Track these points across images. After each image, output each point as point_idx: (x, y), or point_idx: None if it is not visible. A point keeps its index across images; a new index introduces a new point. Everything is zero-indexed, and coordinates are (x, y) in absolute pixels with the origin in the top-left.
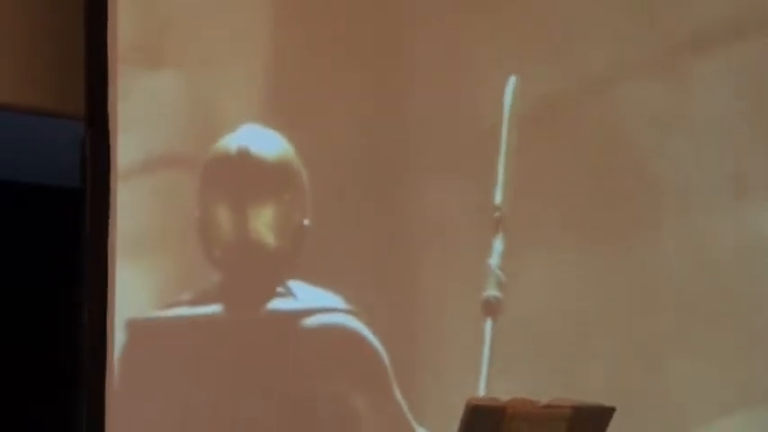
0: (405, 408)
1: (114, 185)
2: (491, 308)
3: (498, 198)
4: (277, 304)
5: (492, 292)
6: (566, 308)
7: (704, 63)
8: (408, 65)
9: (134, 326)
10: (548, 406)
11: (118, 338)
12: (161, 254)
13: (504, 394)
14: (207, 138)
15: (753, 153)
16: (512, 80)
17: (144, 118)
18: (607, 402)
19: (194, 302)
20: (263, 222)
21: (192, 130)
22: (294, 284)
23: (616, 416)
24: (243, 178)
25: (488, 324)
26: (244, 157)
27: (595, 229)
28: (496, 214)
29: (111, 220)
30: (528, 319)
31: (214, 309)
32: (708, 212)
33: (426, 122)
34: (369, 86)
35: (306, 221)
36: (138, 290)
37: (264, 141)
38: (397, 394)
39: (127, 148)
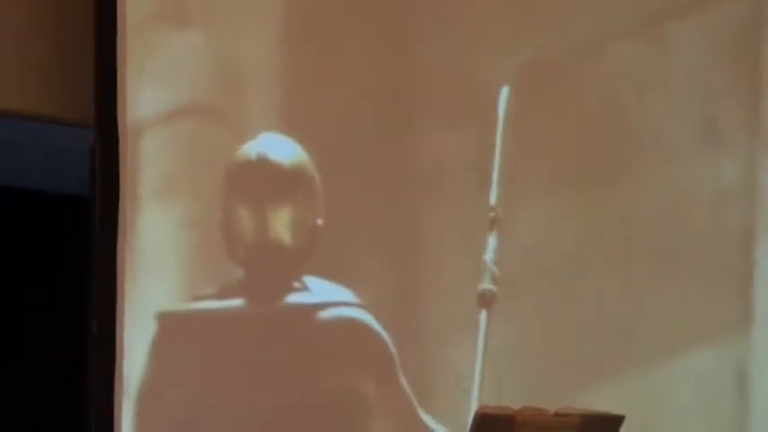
0: (408, 392)
1: (123, 194)
2: (486, 300)
3: (493, 199)
4: (294, 298)
5: (487, 285)
6: (555, 249)
7: (681, 26)
8: (412, 26)
9: (164, 318)
10: (557, 414)
11: (147, 332)
12: (184, 193)
13: (500, 324)
14: (226, 89)
15: (724, 107)
16: (505, 90)
17: (169, 73)
18: (594, 329)
19: (218, 296)
20: (281, 222)
21: (211, 83)
22: (309, 279)
23: (602, 342)
24: (262, 182)
25: (483, 314)
26: (262, 162)
27: (582, 178)
28: (491, 214)
29: (120, 229)
30: (521, 261)
31: (236, 302)
32: (683, 161)
33: (429, 80)
34: (377, 42)
35: (319, 221)
36: (163, 229)
37: (281, 148)
38: (402, 380)
39: (154, 99)
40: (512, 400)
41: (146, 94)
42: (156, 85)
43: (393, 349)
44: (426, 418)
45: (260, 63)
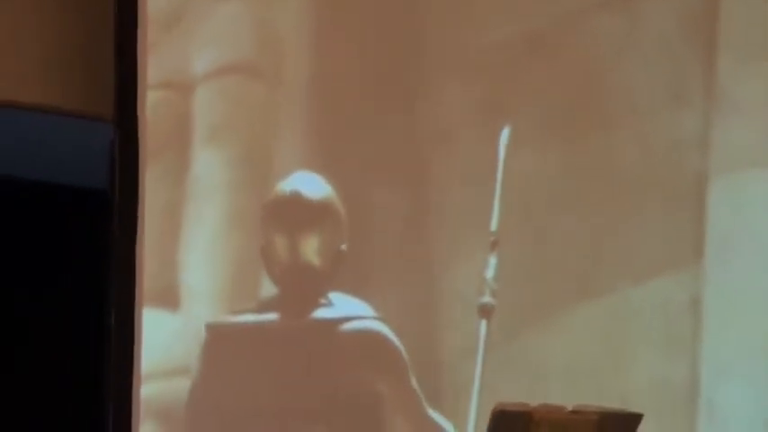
0: (419, 392)
1: (143, 188)
2: (486, 311)
3: (494, 225)
4: (320, 313)
5: (487, 299)
6: (538, 190)
7: (650, 0)
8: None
9: (212, 328)
10: (574, 412)
11: (199, 341)
12: (232, 137)
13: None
14: (263, 50)
15: (685, 70)
16: (505, 132)
17: (216, 37)
18: (569, 258)
19: (258, 310)
20: (310, 248)
21: (251, 45)
22: (334, 296)
23: (575, 270)
24: (295, 215)
25: (483, 324)
26: (296, 198)
27: (564, 130)
28: (492, 238)
29: (138, 223)
30: (510, 200)
31: (273, 316)
32: (649, 116)
33: (440, 35)
34: (390, 14)
35: (343, 246)
36: (214, 172)
37: (312, 186)
38: (414, 383)
39: (203, 59)
40: (498, 322)
41: (197, 55)
42: (205, 47)
43: (406, 355)
44: (434, 415)
45: (293, 26)
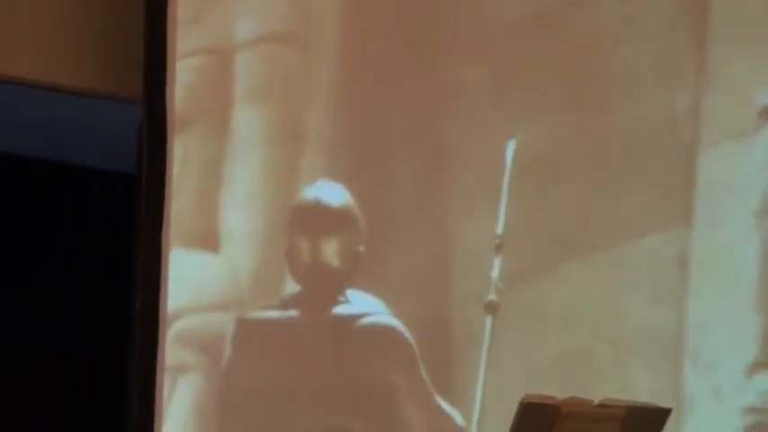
0: (428, 382)
1: (170, 173)
2: (492, 308)
3: (500, 229)
4: (339, 309)
5: (492, 296)
6: (542, 158)
7: None
8: None
9: (241, 323)
10: (601, 405)
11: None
12: (268, 98)
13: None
14: (295, 21)
15: (678, 49)
16: (511, 143)
17: (254, 8)
18: (569, 220)
19: (282, 307)
20: (331, 250)
21: (286, 16)
22: (351, 293)
23: (576, 230)
24: (317, 220)
25: (488, 320)
26: (318, 204)
27: (566, 104)
28: (497, 241)
29: (165, 209)
30: (524, 161)
31: (295, 312)
32: (645, 91)
33: (457, 13)
34: None
35: (361, 248)
36: (252, 129)
37: (333, 194)
38: (423, 373)
39: (243, 28)
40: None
41: (239, 24)
42: (245, 18)
43: (416, 347)
44: (442, 403)
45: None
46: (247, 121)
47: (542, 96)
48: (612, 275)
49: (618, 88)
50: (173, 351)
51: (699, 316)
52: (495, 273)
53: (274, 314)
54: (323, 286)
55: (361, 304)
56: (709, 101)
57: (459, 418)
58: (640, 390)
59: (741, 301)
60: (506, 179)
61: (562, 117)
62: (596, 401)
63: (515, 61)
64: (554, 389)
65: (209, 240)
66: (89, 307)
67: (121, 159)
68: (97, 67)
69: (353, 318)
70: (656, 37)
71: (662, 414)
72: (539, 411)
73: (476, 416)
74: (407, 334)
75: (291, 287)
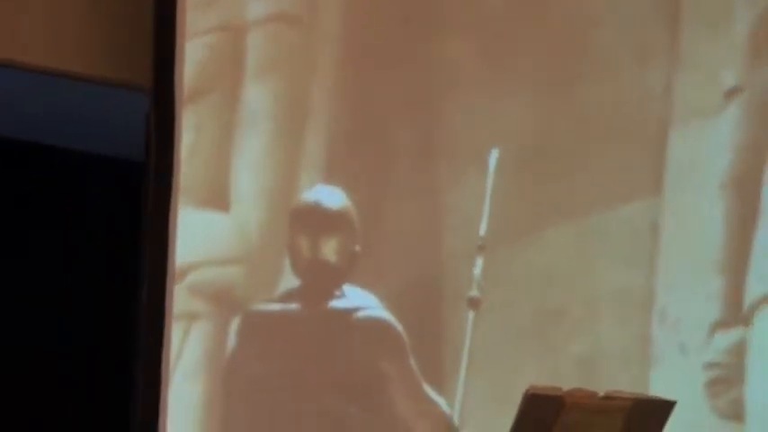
0: (416, 370)
1: (178, 161)
2: (474, 303)
3: (482, 231)
4: (336, 303)
5: (474, 292)
6: (526, 132)
7: None
8: None
9: (246, 315)
10: (607, 397)
11: (233, 326)
12: (276, 73)
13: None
14: (301, 3)
15: (652, 32)
16: (494, 152)
17: None
18: (549, 188)
19: (284, 299)
20: (329, 249)
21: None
22: (347, 289)
23: (554, 197)
24: (316, 220)
25: (470, 314)
26: (317, 206)
27: (552, 81)
28: (480, 242)
29: (173, 198)
30: (509, 134)
31: (295, 305)
32: (621, 72)
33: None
34: None
35: (357, 248)
36: (261, 101)
37: (331, 197)
38: (412, 362)
39: (255, 8)
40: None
41: (249, 5)
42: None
43: (406, 338)
44: (429, 390)
45: None
46: (256, 94)
47: (528, 74)
48: (589, 241)
49: (598, 68)
50: (186, 301)
51: (667, 279)
52: (477, 270)
53: (276, 307)
54: (321, 282)
55: (356, 299)
56: (680, 82)
57: (444, 405)
58: (612, 345)
59: (706, 265)
60: (489, 184)
61: (543, 93)
62: (601, 394)
63: (504, 42)
64: (532, 344)
65: (220, 201)
66: (95, 296)
67: (130, 146)
68: (105, 53)
69: (349, 311)
70: (633, 22)
71: (666, 406)
72: (543, 403)
73: (459, 396)
74: (399, 326)
75: (292, 281)
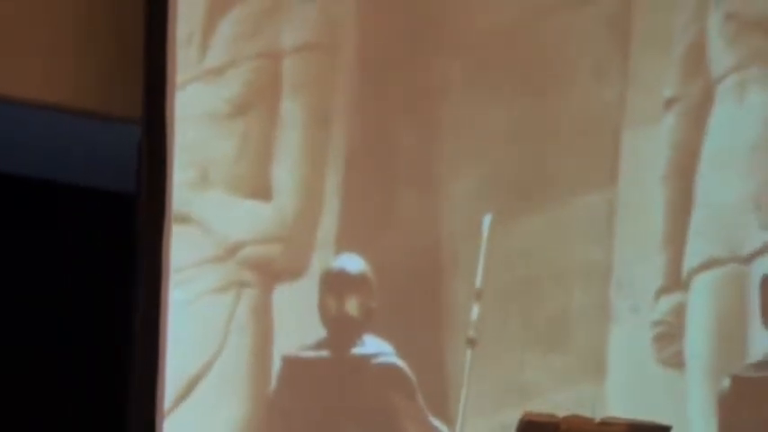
0: (423, 406)
1: (170, 191)
2: (471, 343)
3: (478, 283)
4: (357, 350)
5: (472, 333)
6: (503, 131)
7: (578, 13)
8: None
9: (285, 359)
10: (603, 423)
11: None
12: (306, 91)
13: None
14: (327, 35)
15: (610, 55)
16: (488, 217)
17: (298, 26)
18: (528, 173)
19: (314, 347)
20: (351, 306)
21: (319, 32)
22: (366, 338)
23: (521, 190)
24: (340, 283)
25: (468, 352)
26: (342, 272)
27: (525, 93)
28: (477, 291)
29: (165, 228)
30: (483, 135)
31: (324, 352)
32: (584, 87)
33: (448, 20)
34: None
35: (373, 305)
36: (295, 113)
37: (353, 264)
38: (420, 399)
39: (289, 39)
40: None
41: (284, 36)
42: (291, 32)
43: (414, 379)
44: (436, 423)
45: (345, 17)
46: (290, 107)
47: (504, 84)
48: (558, 223)
49: (563, 82)
50: (238, 272)
51: (622, 254)
52: (474, 315)
53: (309, 353)
54: (345, 333)
55: (374, 346)
56: (630, 94)
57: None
58: (577, 308)
59: (652, 242)
60: (484, 248)
61: (521, 102)
62: (597, 419)
63: (489, 59)
64: (511, 307)
65: (264, 192)
66: (90, 326)
67: (121, 179)
68: (97, 87)
69: (368, 357)
70: (591, 45)
71: (661, 431)
72: (538, 429)
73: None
74: (408, 370)
75: (321, 332)
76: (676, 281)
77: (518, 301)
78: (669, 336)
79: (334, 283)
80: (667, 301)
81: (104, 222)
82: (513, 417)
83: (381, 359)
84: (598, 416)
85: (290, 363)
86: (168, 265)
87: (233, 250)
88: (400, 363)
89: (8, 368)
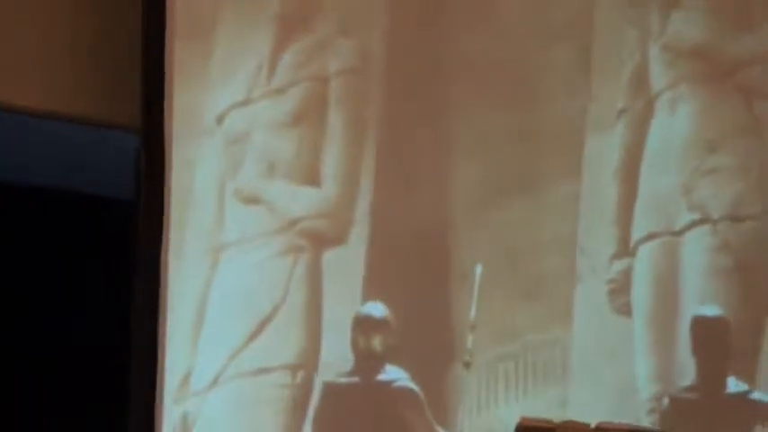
0: (432, 420)
1: (168, 199)
2: (467, 365)
3: (472, 317)
4: (380, 377)
5: (467, 358)
6: (496, 132)
7: (562, 48)
8: None
9: (325, 384)
10: (599, 429)
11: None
12: (347, 103)
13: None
14: (359, 60)
15: (576, 76)
16: (479, 267)
17: (339, 54)
18: (499, 172)
19: (347, 375)
20: (376, 342)
21: (353, 59)
22: (388, 367)
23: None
24: (367, 325)
25: (465, 373)
26: (368, 316)
27: (510, 106)
28: (471, 323)
29: (164, 235)
30: (482, 136)
31: (355, 378)
32: (558, 100)
33: (460, 41)
34: None
35: (392, 341)
36: (338, 121)
37: (377, 309)
38: (429, 414)
39: (331, 65)
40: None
41: (329, 62)
42: (332, 60)
43: (423, 398)
44: (441, 431)
45: (374, 45)
46: (335, 117)
47: (502, 101)
48: (538, 204)
49: (544, 98)
50: (297, 239)
51: (585, 228)
52: (469, 343)
53: (343, 380)
54: (371, 363)
55: (393, 374)
56: (592, 107)
57: None
58: (550, 269)
59: (607, 219)
60: (476, 291)
61: (509, 112)
62: (593, 425)
63: (488, 82)
64: (500, 271)
65: (315, 180)
66: (89, 333)
67: (120, 186)
68: (97, 96)
69: (389, 382)
70: (563, 69)
71: None
72: None
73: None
74: (419, 390)
75: (352, 362)
76: (626, 249)
77: (506, 263)
78: (620, 290)
79: (363, 325)
80: (619, 264)
81: (104, 229)
82: (504, 350)
83: (399, 383)
84: (566, 354)
85: (329, 387)
86: (167, 276)
87: (292, 224)
88: (413, 385)
89: (8, 368)
